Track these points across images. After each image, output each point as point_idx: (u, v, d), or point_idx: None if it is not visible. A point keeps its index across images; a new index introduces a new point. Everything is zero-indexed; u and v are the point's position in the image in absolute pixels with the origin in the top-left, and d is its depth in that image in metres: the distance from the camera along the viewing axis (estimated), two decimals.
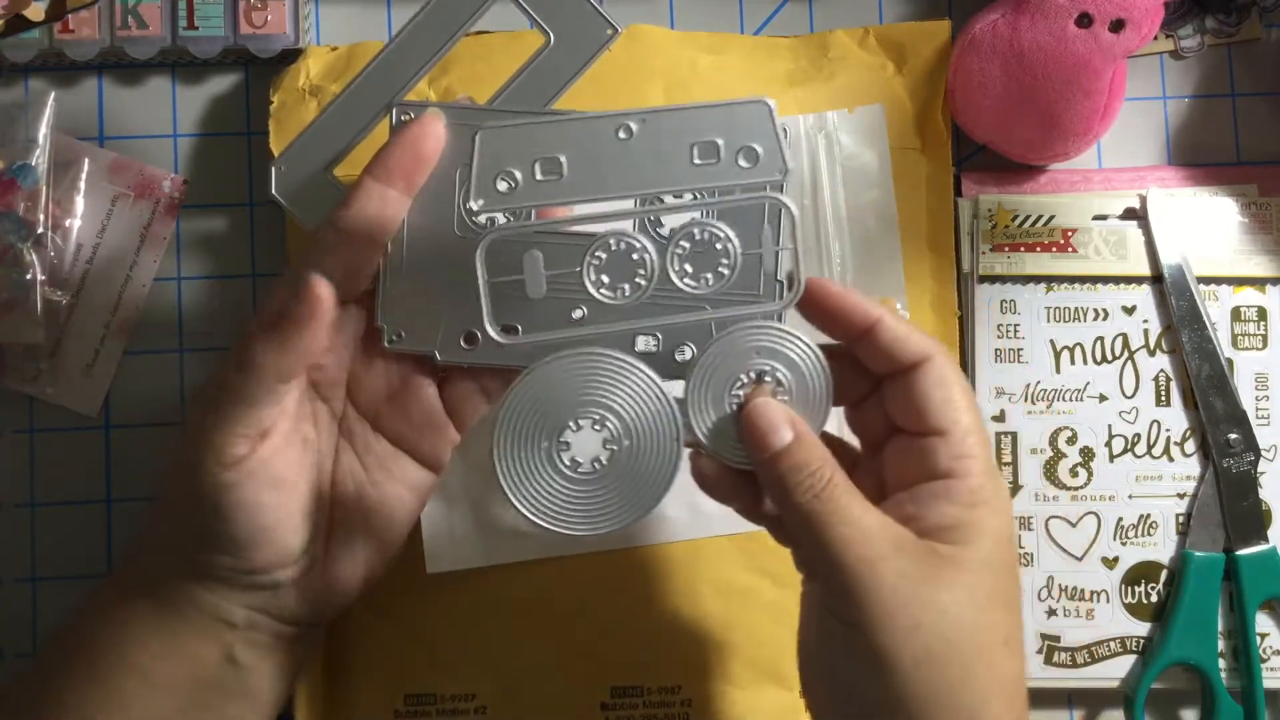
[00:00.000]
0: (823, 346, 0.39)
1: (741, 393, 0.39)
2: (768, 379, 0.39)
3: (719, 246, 0.39)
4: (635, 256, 0.39)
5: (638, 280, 0.39)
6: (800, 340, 0.39)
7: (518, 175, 0.38)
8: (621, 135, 0.38)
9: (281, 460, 0.39)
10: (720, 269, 0.39)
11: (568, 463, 0.38)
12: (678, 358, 0.41)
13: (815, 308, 0.39)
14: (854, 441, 0.42)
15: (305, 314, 0.37)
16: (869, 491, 0.38)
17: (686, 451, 0.39)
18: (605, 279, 0.39)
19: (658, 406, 0.38)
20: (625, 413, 0.38)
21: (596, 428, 0.38)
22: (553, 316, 0.40)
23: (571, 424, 0.38)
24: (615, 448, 0.38)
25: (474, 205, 0.38)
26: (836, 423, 0.41)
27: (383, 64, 0.43)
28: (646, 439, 0.38)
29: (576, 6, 0.42)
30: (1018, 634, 0.37)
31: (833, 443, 0.41)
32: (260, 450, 0.39)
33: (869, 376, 0.40)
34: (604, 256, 0.39)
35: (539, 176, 0.38)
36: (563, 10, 0.42)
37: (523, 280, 0.38)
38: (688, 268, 0.39)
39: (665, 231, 0.41)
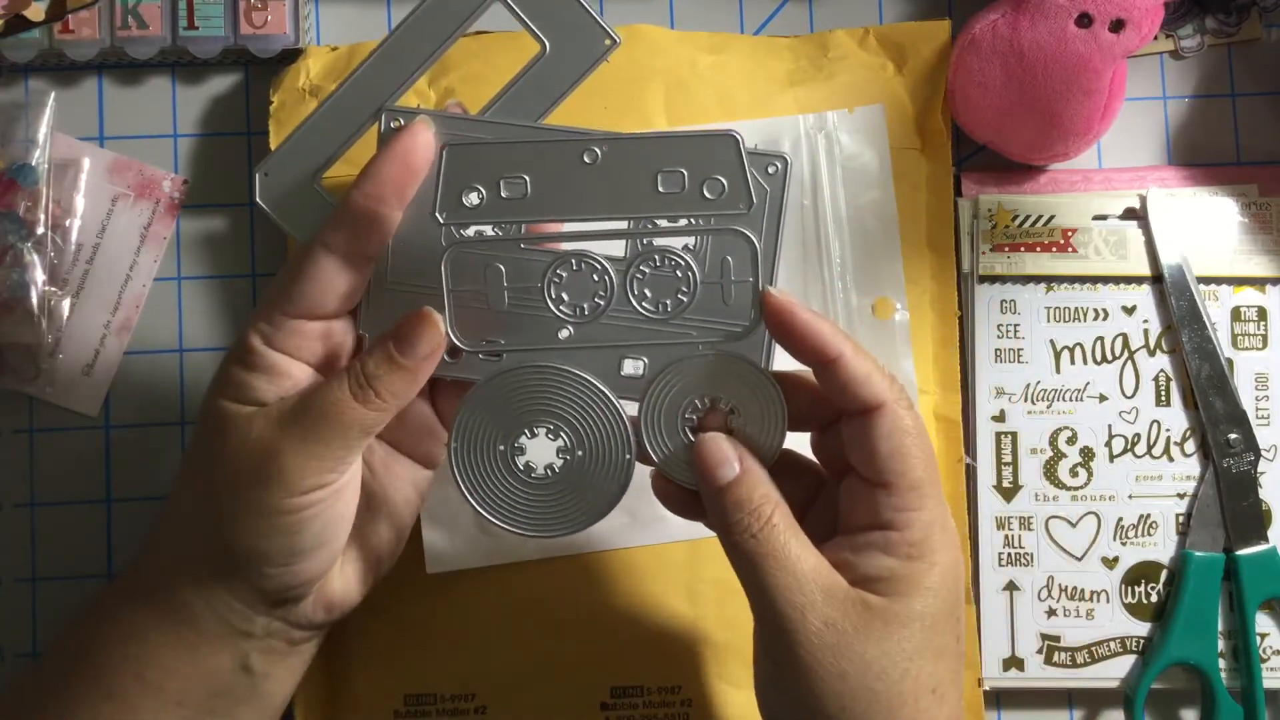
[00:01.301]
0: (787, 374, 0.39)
1: (694, 417, 0.40)
2: (722, 405, 0.39)
3: (679, 274, 0.40)
4: (595, 278, 0.39)
5: (596, 300, 0.39)
6: (755, 369, 0.39)
7: (483, 191, 0.38)
8: (586, 159, 0.38)
9: (350, 491, 0.40)
10: (679, 295, 0.40)
11: (521, 466, 0.40)
12: None
13: (782, 330, 0.38)
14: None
15: (424, 365, 0.38)
16: (822, 523, 0.39)
17: (646, 467, 0.41)
18: (565, 296, 0.40)
19: (612, 423, 0.40)
20: (580, 425, 0.40)
21: (551, 436, 0.40)
22: (538, 335, 0.40)
23: (527, 431, 0.40)
24: (568, 457, 0.40)
25: (439, 217, 0.38)
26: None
27: (371, 69, 0.42)
28: (599, 452, 0.40)
29: (574, 14, 0.42)
30: (952, 680, 0.38)
31: (799, 465, 0.41)
32: (337, 484, 0.38)
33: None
34: (564, 275, 0.39)
35: (503, 194, 0.38)
36: (560, 18, 0.42)
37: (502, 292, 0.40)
38: (647, 292, 0.40)
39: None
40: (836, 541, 0.38)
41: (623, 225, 0.40)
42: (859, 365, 0.37)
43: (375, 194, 0.38)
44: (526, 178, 0.38)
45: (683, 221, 0.39)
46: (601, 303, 0.39)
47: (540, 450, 0.40)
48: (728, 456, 0.38)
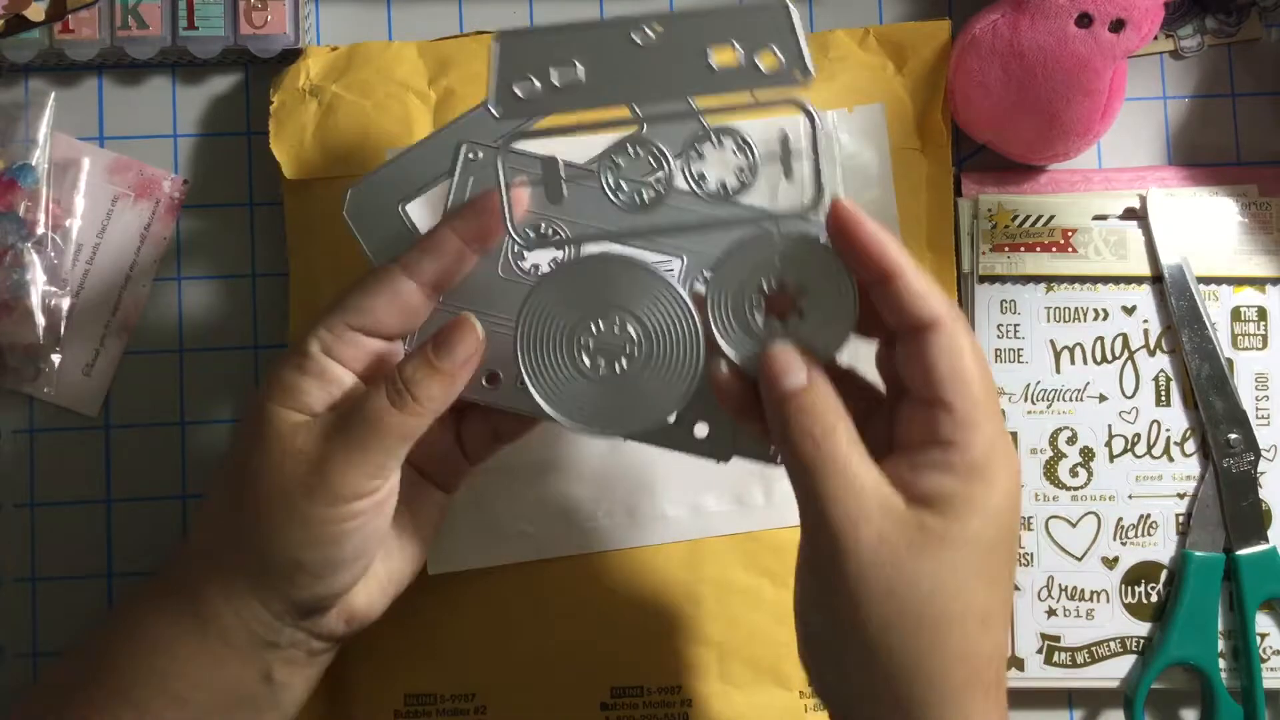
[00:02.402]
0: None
1: (762, 301, 0.38)
2: (790, 289, 0.38)
3: (737, 153, 0.38)
4: (653, 162, 0.38)
5: (656, 187, 0.38)
6: (828, 252, 0.38)
7: (536, 83, 0.37)
8: (637, 40, 0.37)
9: (389, 504, 0.40)
10: (739, 177, 0.38)
11: (586, 360, 0.39)
12: (697, 433, 0.41)
13: (847, 241, 0.37)
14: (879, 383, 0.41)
15: (462, 370, 0.39)
16: (879, 440, 0.37)
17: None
18: (623, 184, 0.38)
19: (681, 320, 0.39)
20: (648, 321, 0.39)
21: (618, 330, 0.39)
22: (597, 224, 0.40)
23: (594, 324, 0.39)
24: (635, 353, 0.39)
25: (495, 111, 0.37)
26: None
27: (476, 118, 0.43)
28: (667, 350, 0.39)
29: None
30: (1002, 609, 0.36)
31: (857, 383, 0.40)
32: (379, 494, 0.39)
33: None
34: (621, 162, 0.38)
35: (557, 83, 0.37)
36: None
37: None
38: (707, 174, 0.38)
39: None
40: (894, 459, 0.37)
41: (680, 107, 0.38)
42: (918, 280, 0.37)
43: (467, 233, 0.39)
44: (579, 65, 0.37)
45: (738, 97, 0.37)
46: (661, 189, 0.38)
47: (607, 344, 0.39)
48: (796, 363, 0.37)
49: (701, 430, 0.41)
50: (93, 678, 0.41)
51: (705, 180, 0.38)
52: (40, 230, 0.50)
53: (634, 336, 0.39)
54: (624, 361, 0.39)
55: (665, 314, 0.39)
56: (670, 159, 0.38)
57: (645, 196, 0.38)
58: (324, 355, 0.39)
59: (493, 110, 0.37)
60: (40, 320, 0.50)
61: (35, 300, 0.50)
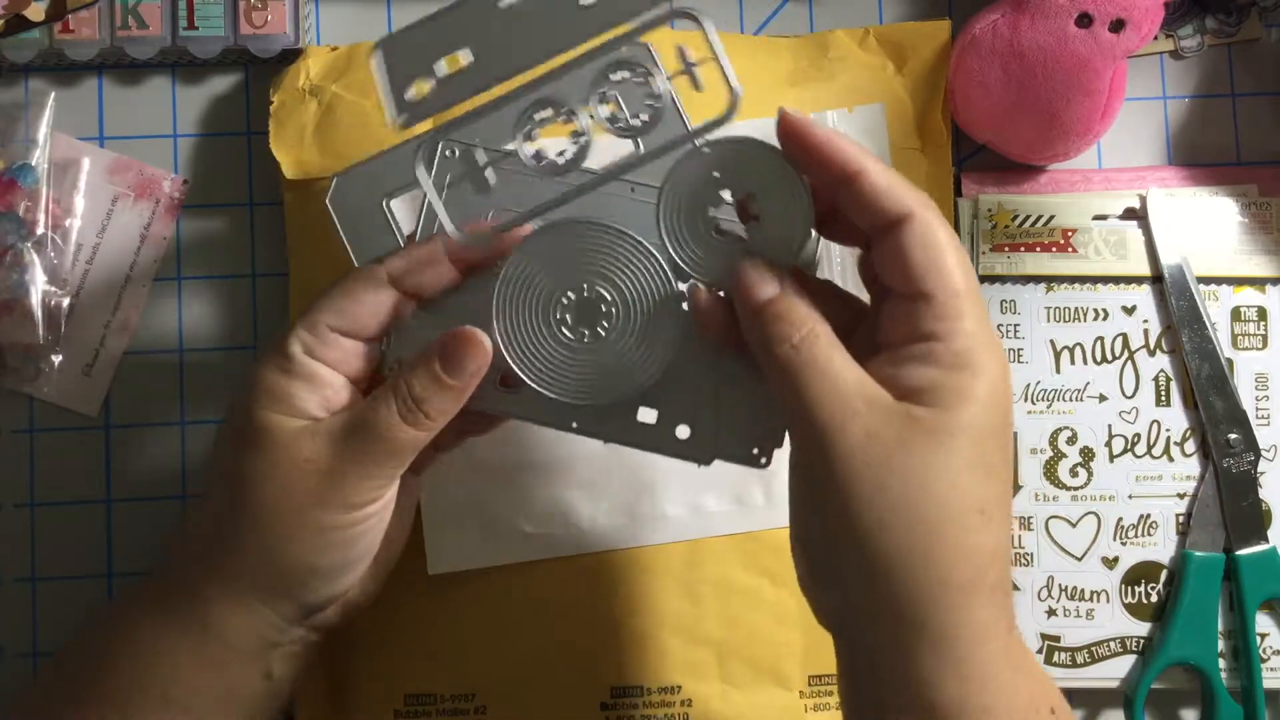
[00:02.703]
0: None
1: (715, 217, 0.38)
2: (740, 195, 0.37)
3: (642, 80, 0.37)
4: (564, 119, 0.37)
5: (576, 141, 0.37)
6: (761, 148, 0.37)
7: (426, 80, 0.36)
8: (503, 5, 0.36)
9: (392, 502, 0.40)
10: (649, 103, 0.38)
11: (564, 330, 0.39)
12: (678, 435, 0.41)
13: (799, 147, 0.36)
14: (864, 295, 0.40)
15: (470, 383, 0.39)
16: (865, 347, 0.37)
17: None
18: (543, 150, 0.38)
19: (656, 277, 0.38)
20: (623, 283, 0.38)
21: (594, 298, 0.38)
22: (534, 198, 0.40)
23: (569, 293, 0.39)
24: (613, 315, 0.38)
25: (396, 122, 0.36)
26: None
27: (474, 111, 0.42)
28: (644, 315, 0.38)
29: None
30: (999, 502, 0.35)
31: (840, 296, 0.40)
32: (386, 497, 0.39)
33: None
34: (535, 125, 0.38)
35: (445, 73, 0.36)
36: None
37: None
38: (622, 112, 0.38)
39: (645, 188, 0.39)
40: (878, 359, 0.36)
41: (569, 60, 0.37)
42: (882, 176, 0.36)
43: (454, 250, 0.39)
44: (461, 52, 0.36)
45: (616, 29, 0.36)
46: (580, 143, 0.37)
47: (584, 311, 0.39)
48: (765, 275, 0.37)
49: (683, 432, 0.41)
50: (90, 683, 0.40)
51: (618, 120, 0.38)
52: (40, 230, 0.50)
53: (609, 298, 0.38)
54: (603, 327, 0.39)
55: (640, 274, 0.38)
56: (577, 110, 0.37)
57: (568, 155, 0.38)
58: (307, 357, 0.39)
59: (392, 121, 0.37)
60: (40, 320, 0.50)
61: (35, 300, 0.50)
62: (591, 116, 0.37)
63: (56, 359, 0.51)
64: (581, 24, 0.36)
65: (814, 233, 0.38)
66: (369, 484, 0.38)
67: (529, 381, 0.39)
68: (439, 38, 0.36)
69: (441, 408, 0.39)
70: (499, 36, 0.36)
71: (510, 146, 0.38)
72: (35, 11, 0.49)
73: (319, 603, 0.40)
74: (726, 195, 0.38)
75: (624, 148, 0.39)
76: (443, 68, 0.36)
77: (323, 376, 0.39)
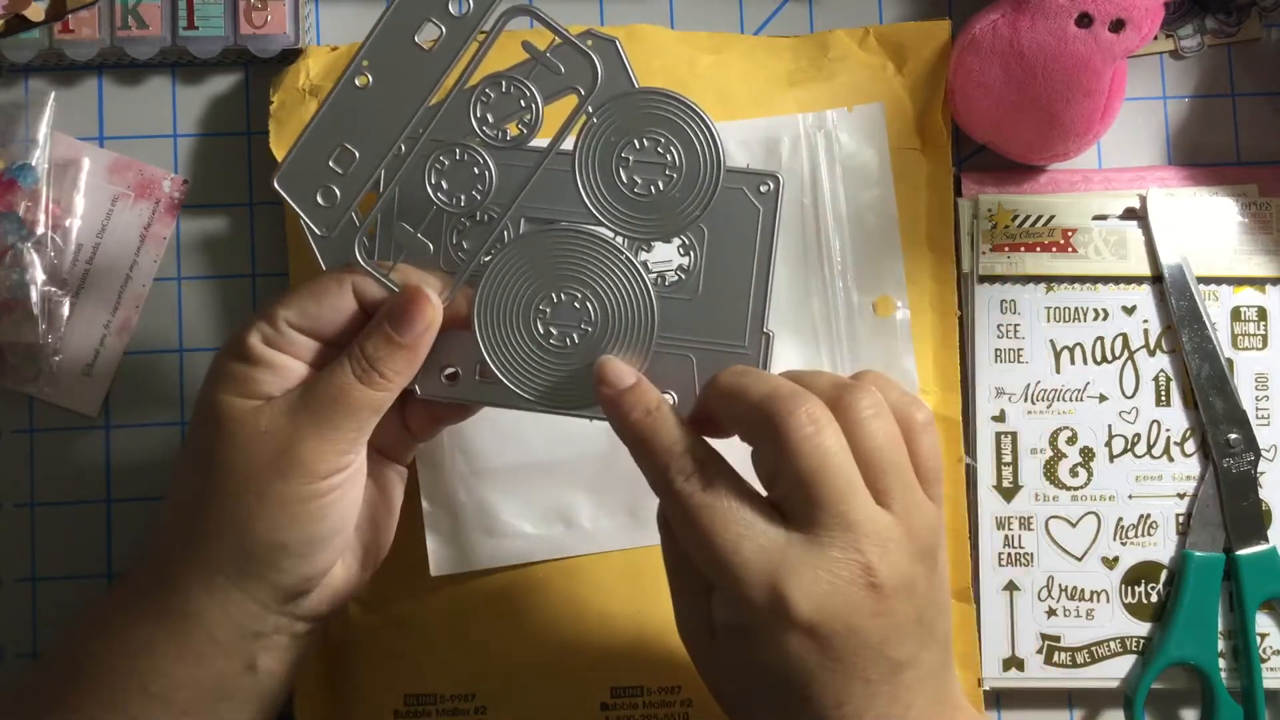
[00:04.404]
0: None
1: (629, 158, 0.39)
2: (637, 141, 0.39)
3: (513, 90, 0.39)
4: (476, 170, 0.39)
5: (474, 169, 0.39)
6: (641, 93, 0.39)
7: (331, 186, 0.39)
8: (358, 83, 0.39)
9: (360, 475, 0.40)
10: (522, 109, 0.39)
11: (542, 331, 0.40)
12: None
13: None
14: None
15: (422, 340, 0.39)
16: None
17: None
18: (443, 183, 0.40)
19: (633, 283, 0.39)
20: (601, 289, 0.39)
21: (576, 305, 0.39)
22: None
23: (552, 295, 0.39)
24: (591, 316, 0.39)
25: (325, 234, 0.39)
26: None
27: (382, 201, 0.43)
28: (621, 322, 0.39)
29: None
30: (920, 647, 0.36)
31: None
32: (351, 468, 0.39)
33: None
34: (445, 163, 0.39)
35: (342, 171, 0.39)
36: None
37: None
38: (504, 130, 0.39)
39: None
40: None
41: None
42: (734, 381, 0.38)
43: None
44: (346, 144, 0.39)
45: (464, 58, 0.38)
46: (479, 170, 0.39)
47: (564, 317, 0.40)
48: (625, 371, 0.39)
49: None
50: (71, 681, 0.40)
51: (506, 133, 0.39)
52: (40, 230, 0.50)
53: (586, 304, 0.39)
54: (580, 333, 0.39)
55: (617, 281, 0.39)
56: (464, 143, 0.39)
57: (470, 190, 0.40)
58: (266, 347, 0.39)
59: (313, 233, 0.39)
60: (40, 320, 0.50)
61: (35, 300, 0.50)
62: (483, 134, 0.39)
63: (56, 359, 0.51)
64: (430, 67, 0.38)
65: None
66: (328, 448, 0.38)
67: (512, 387, 0.40)
68: (320, 143, 0.39)
69: (395, 367, 0.39)
70: (363, 116, 0.39)
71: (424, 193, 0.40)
72: (35, 11, 0.49)
73: (294, 584, 0.40)
74: (626, 153, 0.39)
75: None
76: (335, 166, 0.39)
77: (284, 363, 0.39)
